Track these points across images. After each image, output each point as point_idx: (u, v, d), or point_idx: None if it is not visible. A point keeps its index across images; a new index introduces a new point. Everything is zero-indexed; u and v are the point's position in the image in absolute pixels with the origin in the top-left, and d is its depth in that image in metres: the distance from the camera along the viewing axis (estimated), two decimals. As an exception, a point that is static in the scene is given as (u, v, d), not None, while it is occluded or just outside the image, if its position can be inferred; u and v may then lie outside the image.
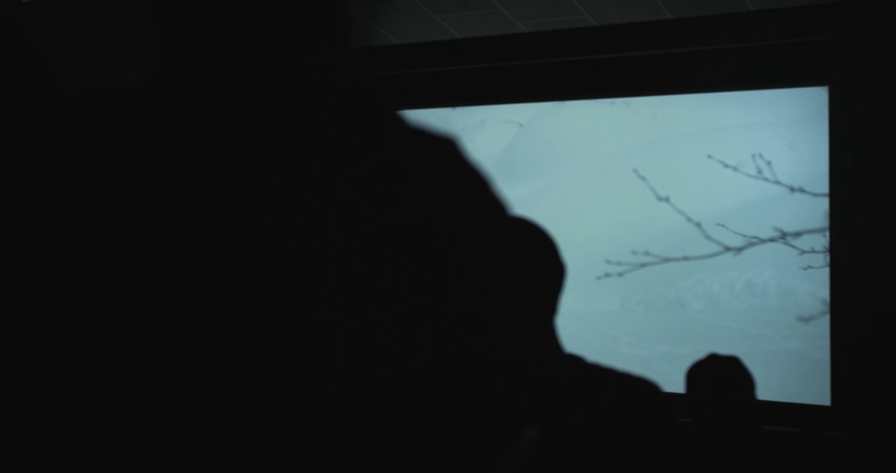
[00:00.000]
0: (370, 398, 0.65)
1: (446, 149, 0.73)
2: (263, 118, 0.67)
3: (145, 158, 0.66)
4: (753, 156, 4.04)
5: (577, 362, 1.41)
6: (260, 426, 0.63)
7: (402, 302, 0.66)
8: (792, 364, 3.88)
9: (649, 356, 4.10)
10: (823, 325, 3.83)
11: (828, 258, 3.84)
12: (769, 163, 4.01)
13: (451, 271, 0.68)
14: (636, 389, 1.40)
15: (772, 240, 3.96)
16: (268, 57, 0.69)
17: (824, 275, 3.84)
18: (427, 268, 0.67)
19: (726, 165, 4.08)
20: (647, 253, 4.19)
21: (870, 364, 3.72)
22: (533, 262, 1.43)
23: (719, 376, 1.97)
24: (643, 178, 4.22)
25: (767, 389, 3.84)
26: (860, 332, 3.76)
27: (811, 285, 3.86)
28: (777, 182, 3.99)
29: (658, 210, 4.20)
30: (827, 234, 3.85)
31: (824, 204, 3.87)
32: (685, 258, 4.14)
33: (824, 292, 3.84)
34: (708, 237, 4.10)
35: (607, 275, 4.25)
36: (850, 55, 3.86)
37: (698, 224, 4.12)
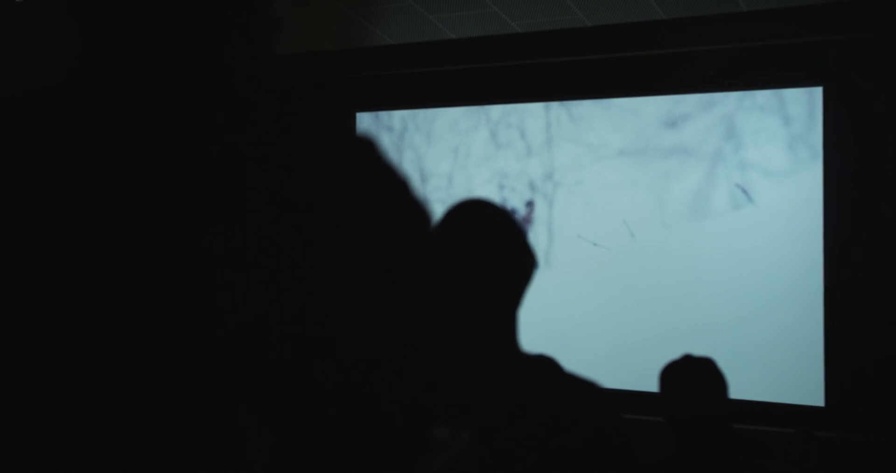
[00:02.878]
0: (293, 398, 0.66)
1: (366, 150, 0.74)
2: (174, 118, 0.68)
3: (60, 156, 0.67)
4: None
5: (538, 363, 1.34)
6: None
7: (318, 297, 0.67)
8: (786, 365, 3.87)
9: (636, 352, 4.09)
10: (818, 325, 3.81)
11: (823, 258, 3.83)
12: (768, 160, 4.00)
13: (368, 266, 0.69)
14: (582, 398, 1.29)
15: (768, 239, 3.95)
16: (181, 57, 0.70)
17: (819, 275, 3.83)
18: (344, 263, 0.68)
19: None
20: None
21: (864, 365, 3.71)
22: (488, 256, 1.38)
23: (693, 376, 1.98)
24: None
25: (762, 390, 3.84)
26: (854, 332, 3.75)
27: (806, 285, 3.85)
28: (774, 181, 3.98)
29: (656, 207, 4.21)
30: (822, 234, 3.83)
31: (820, 204, 3.85)
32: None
33: (819, 293, 3.82)
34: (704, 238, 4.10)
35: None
36: (844, 56, 3.85)
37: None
